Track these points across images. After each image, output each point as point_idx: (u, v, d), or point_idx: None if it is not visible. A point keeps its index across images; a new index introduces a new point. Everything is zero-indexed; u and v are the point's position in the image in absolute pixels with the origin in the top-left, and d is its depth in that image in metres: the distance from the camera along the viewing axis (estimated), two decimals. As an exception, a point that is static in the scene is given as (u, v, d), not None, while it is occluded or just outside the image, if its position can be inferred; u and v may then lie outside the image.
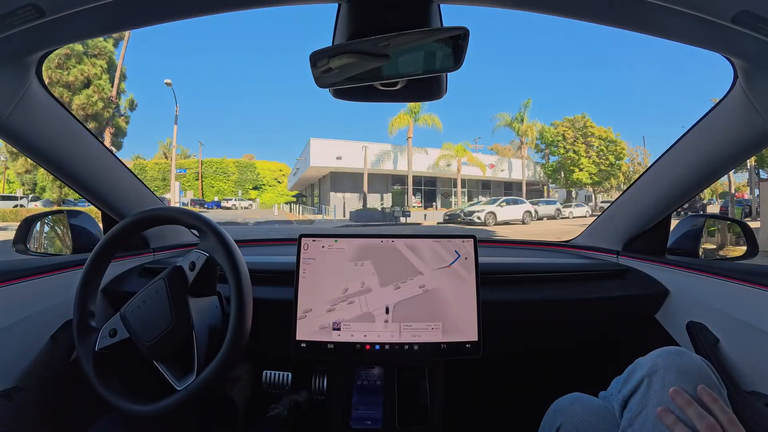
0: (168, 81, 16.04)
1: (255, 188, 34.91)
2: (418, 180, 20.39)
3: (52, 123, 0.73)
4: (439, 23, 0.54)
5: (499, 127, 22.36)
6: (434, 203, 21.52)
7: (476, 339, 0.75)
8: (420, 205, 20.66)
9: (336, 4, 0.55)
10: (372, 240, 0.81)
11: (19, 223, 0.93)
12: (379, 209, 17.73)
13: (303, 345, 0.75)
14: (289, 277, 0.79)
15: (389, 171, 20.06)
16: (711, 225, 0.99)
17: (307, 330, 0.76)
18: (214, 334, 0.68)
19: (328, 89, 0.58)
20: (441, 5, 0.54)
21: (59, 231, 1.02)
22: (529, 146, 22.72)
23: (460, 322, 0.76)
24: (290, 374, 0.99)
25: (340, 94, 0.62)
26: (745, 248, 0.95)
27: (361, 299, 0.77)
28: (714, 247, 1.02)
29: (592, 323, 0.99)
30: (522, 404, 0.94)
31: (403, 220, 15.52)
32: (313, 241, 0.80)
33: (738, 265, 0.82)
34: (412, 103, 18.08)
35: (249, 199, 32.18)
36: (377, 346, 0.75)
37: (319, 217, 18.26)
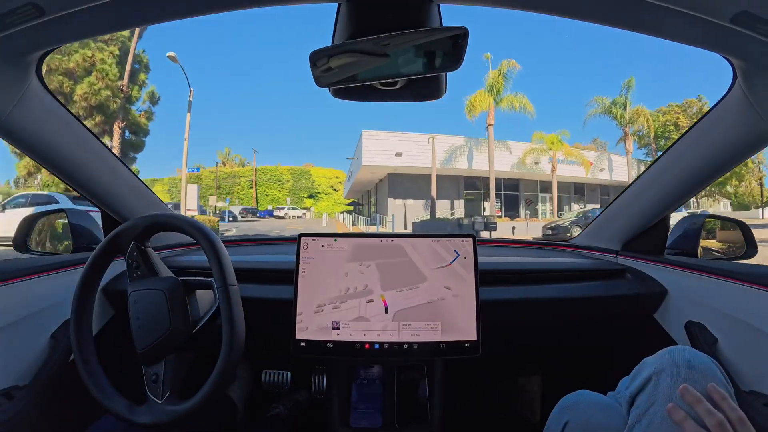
0: (171, 54, 11.87)
1: (310, 196, 33.63)
2: (496, 183, 15.61)
3: (53, 122, 0.73)
4: (439, 23, 0.55)
5: (594, 116, 16.73)
6: (518, 212, 16.65)
7: (475, 338, 0.75)
8: (500, 213, 16.16)
9: (336, 4, 0.55)
10: (371, 239, 0.81)
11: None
12: (451, 218, 13.61)
13: (302, 344, 0.75)
14: (288, 276, 0.79)
15: (462, 171, 15.85)
16: (710, 225, 0.99)
17: (306, 329, 0.76)
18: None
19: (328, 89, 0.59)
20: (441, 5, 0.54)
21: (59, 230, 1.02)
22: (634, 139, 17.27)
23: (459, 322, 0.76)
24: (290, 373, 0.99)
25: (339, 93, 0.62)
26: (744, 248, 0.96)
27: (361, 298, 0.77)
28: (713, 246, 1.03)
29: (591, 322, 0.99)
30: (521, 404, 0.94)
31: (485, 233, 11.12)
32: (313, 240, 0.80)
33: (737, 265, 0.82)
34: (493, 81, 15.14)
35: (303, 208, 30.44)
36: (376, 345, 0.75)
37: (372, 228, 14.51)
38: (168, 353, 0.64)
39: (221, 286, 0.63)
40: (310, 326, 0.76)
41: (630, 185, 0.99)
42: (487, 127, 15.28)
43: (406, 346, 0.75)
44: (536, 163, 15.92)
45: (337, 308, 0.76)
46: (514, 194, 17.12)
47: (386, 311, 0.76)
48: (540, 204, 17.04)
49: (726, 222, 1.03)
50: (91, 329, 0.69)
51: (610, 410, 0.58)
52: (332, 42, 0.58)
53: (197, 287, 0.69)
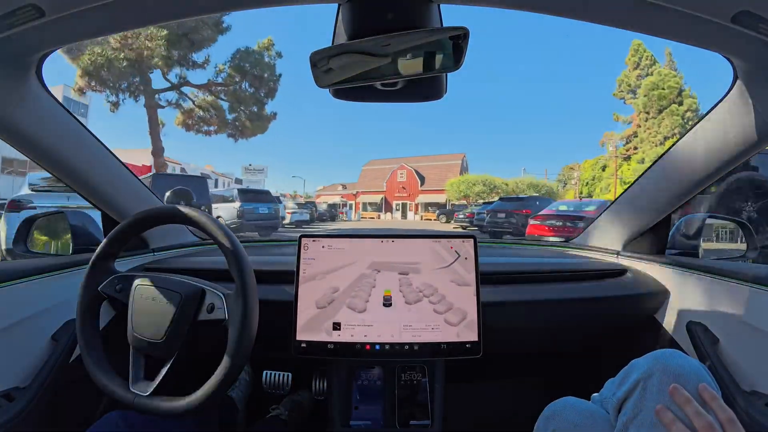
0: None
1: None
2: None
3: (52, 123, 0.73)
4: (439, 23, 0.55)
5: None
6: None
7: (476, 339, 0.75)
8: None
9: (336, 4, 0.55)
10: (372, 240, 0.81)
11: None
12: None
13: (303, 345, 0.75)
14: (289, 277, 0.79)
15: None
16: (711, 225, 0.99)
17: (307, 330, 0.76)
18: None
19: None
20: (441, 5, 0.54)
21: (59, 231, 1.02)
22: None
23: (460, 322, 0.76)
24: (290, 374, 0.99)
25: (339, 93, 0.62)
26: (745, 248, 0.96)
27: (361, 299, 0.77)
28: (714, 247, 1.03)
29: (592, 323, 0.99)
30: (522, 404, 0.94)
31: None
32: (313, 241, 0.80)
33: (738, 265, 0.82)
34: None
35: None
36: (377, 346, 0.75)
37: None
38: (150, 352, 0.63)
39: (241, 295, 0.60)
40: (310, 327, 0.76)
41: (631, 185, 0.99)
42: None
43: (407, 347, 0.75)
44: None
45: (337, 309, 0.76)
46: None
47: (387, 312, 0.76)
48: None
49: (727, 222, 1.03)
50: (98, 327, 0.68)
51: (596, 417, 0.57)
52: (332, 42, 0.58)
53: (209, 318, 0.64)
